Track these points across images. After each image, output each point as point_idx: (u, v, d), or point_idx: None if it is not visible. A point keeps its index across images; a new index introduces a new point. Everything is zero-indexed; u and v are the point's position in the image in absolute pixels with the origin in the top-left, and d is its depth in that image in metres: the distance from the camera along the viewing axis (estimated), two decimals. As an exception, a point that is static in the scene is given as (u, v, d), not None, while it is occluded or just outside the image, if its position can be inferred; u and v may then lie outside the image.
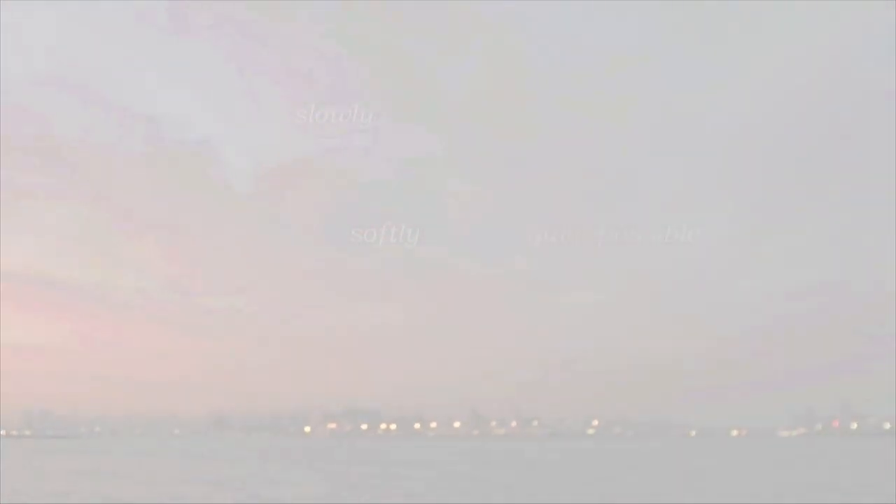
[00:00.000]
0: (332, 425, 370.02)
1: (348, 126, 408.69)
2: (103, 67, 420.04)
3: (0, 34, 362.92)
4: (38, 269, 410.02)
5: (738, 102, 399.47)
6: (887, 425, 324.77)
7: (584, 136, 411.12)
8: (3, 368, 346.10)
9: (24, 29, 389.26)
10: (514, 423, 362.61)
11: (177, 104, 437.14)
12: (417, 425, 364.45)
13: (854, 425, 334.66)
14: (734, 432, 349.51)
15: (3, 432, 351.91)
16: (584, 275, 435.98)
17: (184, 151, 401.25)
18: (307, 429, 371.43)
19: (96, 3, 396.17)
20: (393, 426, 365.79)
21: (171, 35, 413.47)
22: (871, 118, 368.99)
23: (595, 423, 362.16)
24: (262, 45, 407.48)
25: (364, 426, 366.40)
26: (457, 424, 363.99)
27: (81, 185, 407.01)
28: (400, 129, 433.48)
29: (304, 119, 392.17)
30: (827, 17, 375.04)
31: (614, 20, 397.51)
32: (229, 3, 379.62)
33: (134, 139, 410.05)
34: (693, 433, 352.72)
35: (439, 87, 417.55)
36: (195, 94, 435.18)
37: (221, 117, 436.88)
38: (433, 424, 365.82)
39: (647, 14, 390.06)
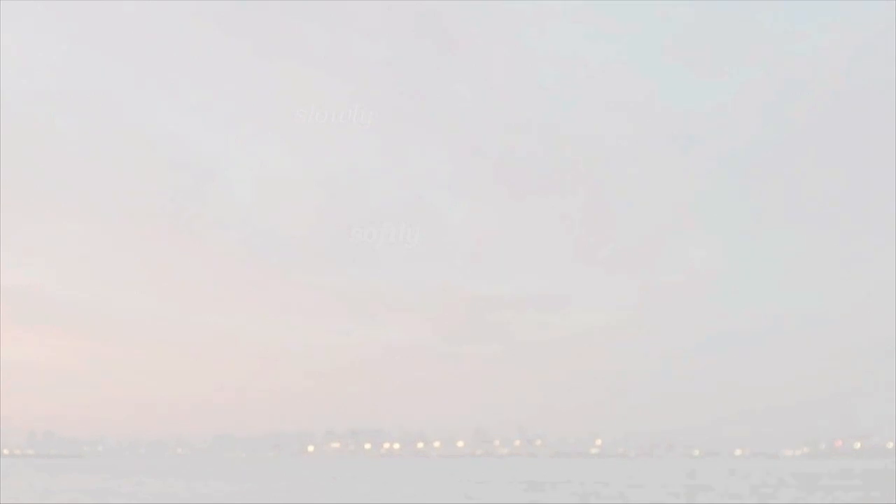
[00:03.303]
0: (336, 445, 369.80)
1: (351, 142, 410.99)
2: (106, 87, 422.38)
3: (4, 53, 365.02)
4: (41, 289, 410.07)
5: (735, 124, 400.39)
6: (890, 444, 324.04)
7: (587, 155, 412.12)
8: (8, 388, 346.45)
9: (29, 48, 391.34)
10: (517, 443, 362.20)
11: (177, 122, 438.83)
12: (421, 445, 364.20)
13: (857, 445, 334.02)
14: (738, 452, 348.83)
15: (6, 451, 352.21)
16: (588, 295, 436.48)
17: (184, 169, 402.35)
18: (310, 448, 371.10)
19: (98, 22, 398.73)
20: (396, 445, 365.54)
21: (173, 53, 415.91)
22: (872, 139, 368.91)
23: (599, 442, 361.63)
24: (264, 61, 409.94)
25: (367, 446, 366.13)
26: (460, 444, 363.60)
27: (84, 203, 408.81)
28: (405, 145, 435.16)
29: (305, 135, 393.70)
30: (829, 40, 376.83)
31: (613, 38, 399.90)
32: (231, 22, 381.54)
33: (135, 157, 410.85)
34: (697, 452, 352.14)
35: (443, 102, 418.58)
36: (196, 111, 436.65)
37: (222, 134, 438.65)
38: (436, 444, 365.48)
39: (645, 32, 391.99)
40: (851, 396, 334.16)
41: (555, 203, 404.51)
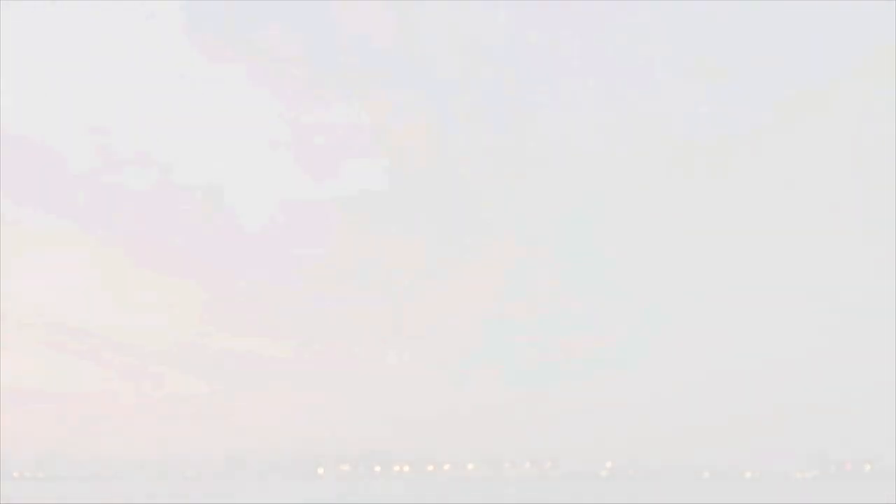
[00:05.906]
0: (345, 467, 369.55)
1: (360, 169, 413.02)
2: (114, 107, 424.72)
3: (6, 71, 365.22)
4: (50, 313, 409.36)
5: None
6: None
7: (591, 179, 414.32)
8: (18, 412, 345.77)
9: (35, 67, 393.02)
10: (527, 465, 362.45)
11: (187, 145, 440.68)
12: (431, 467, 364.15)
13: (867, 467, 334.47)
14: (747, 474, 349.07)
15: (15, 474, 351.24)
16: (594, 316, 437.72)
17: (195, 192, 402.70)
18: (320, 470, 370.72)
19: (106, 42, 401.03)
20: (406, 468, 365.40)
21: (183, 76, 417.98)
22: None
23: (608, 464, 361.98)
24: (273, 89, 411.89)
25: (377, 468, 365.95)
26: (470, 466, 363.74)
27: (92, 227, 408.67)
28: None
29: (316, 161, 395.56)
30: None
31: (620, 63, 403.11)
32: (240, 49, 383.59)
33: (145, 181, 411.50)
34: (706, 475, 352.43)
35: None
36: (206, 135, 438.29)
37: (232, 159, 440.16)
38: (446, 466, 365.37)
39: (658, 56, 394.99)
40: (861, 418, 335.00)
41: (556, 235, 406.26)
